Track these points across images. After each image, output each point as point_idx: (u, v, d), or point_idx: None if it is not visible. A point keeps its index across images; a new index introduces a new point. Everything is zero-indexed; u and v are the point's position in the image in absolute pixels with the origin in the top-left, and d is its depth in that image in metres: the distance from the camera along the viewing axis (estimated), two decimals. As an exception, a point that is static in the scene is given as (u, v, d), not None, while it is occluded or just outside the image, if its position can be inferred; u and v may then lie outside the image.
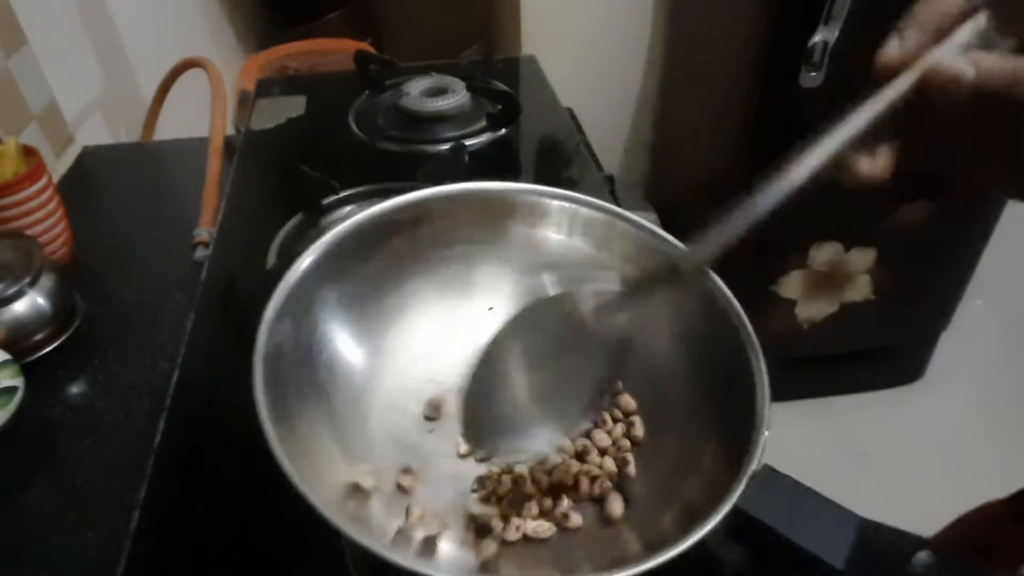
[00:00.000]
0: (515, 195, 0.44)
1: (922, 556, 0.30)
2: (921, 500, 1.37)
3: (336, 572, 0.38)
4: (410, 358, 0.43)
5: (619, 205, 0.72)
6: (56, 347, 0.59)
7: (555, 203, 0.44)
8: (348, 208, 0.66)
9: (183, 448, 0.48)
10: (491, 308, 0.44)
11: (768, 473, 0.32)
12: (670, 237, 0.42)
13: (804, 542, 0.31)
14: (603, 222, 0.44)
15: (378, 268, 0.42)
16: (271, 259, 0.61)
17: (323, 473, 0.34)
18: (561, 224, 0.44)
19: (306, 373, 0.38)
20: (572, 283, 0.43)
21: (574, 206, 0.44)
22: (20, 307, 0.57)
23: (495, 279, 0.45)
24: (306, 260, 0.39)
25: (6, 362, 0.54)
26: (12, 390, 0.52)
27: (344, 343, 0.41)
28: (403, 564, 0.28)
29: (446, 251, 0.44)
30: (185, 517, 0.44)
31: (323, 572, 0.37)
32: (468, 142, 0.75)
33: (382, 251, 0.43)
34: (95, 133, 0.96)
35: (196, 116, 1.00)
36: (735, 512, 0.30)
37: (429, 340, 0.44)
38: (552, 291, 0.43)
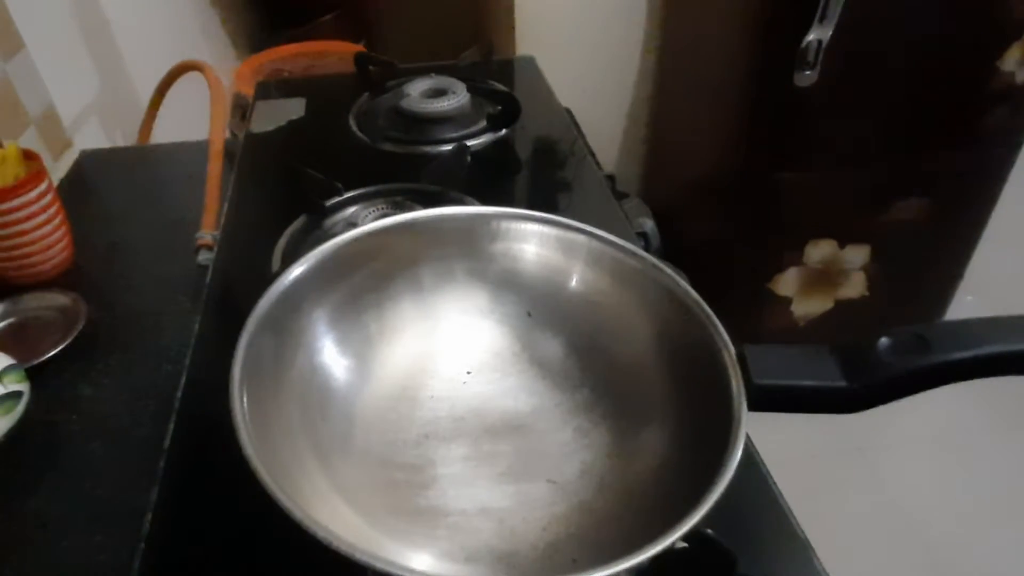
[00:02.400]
0: (488, 218, 0.47)
1: (883, 340, 0.35)
2: (916, 495, 1.39)
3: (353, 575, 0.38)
4: (393, 369, 0.45)
5: (619, 203, 0.73)
6: (60, 351, 0.59)
7: (524, 225, 0.47)
8: (352, 209, 0.66)
9: (194, 450, 0.48)
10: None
11: (746, 351, 0.37)
12: (625, 242, 0.45)
13: (811, 381, 0.35)
14: (563, 236, 0.47)
15: (359, 286, 0.45)
16: (276, 261, 0.60)
17: (300, 483, 0.35)
18: (530, 241, 0.47)
19: (286, 386, 0.39)
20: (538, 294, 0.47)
21: (537, 225, 0.47)
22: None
23: (471, 296, 0.48)
24: (289, 276, 0.41)
25: (11, 367, 0.53)
26: (17, 395, 0.52)
27: (327, 357, 0.43)
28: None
29: (423, 270, 0.47)
30: (198, 519, 0.44)
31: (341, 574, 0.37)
32: (469, 143, 0.75)
33: (362, 270, 0.45)
34: (92, 137, 0.96)
35: (191, 120, 1.00)
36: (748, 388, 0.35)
37: (411, 353, 0.46)
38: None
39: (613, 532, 0.37)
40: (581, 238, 0.46)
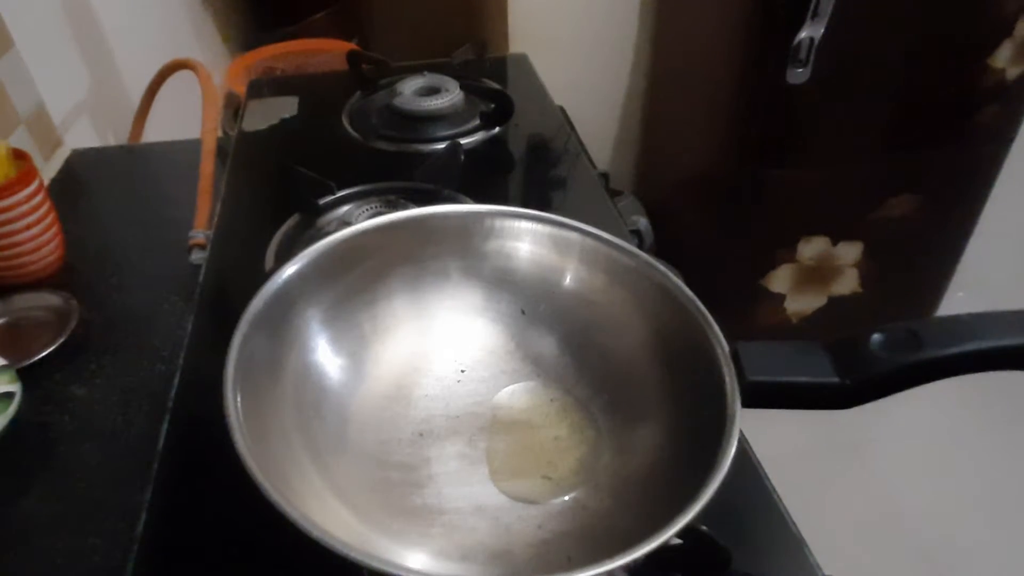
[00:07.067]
0: (482, 216, 0.47)
1: (875, 336, 0.35)
2: (910, 491, 1.40)
3: None
4: (387, 368, 0.45)
5: (612, 201, 0.73)
6: (52, 351, 0.59)
7: (518, 223, 0.47)
8: (345, 208, 0.66)
9: (188, 450, 0.48)
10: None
11: (739, 348, 0.37)
12: (618, 240, 0.45)
13: (804, 377, 0.36)
14: (557, 234, 0.47)
15: (353, 285, 0.44)
16: (269, 260, 0.60)
17: (295, 483, 0.35)
18: (524, 239, 0.47)
19: (280, 387, 0.39)
20: (532, 292, 0.47)
21: (531, 223, 0.47)
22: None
23: (464, 295, 0.48)
24: (282, 275, 0.41)
25: (2, 368, 0.53)
26: (9, 396, 0.52)
27: (321, 356, 0.43)
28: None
29: (416, 268, 0.47)
30: (192, 520, 0.44)
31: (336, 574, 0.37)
32: (463, 141, 0.75)
33: (356, 269, 0.45)
34: (83, 136, 0.95)
35: (183, 118, 0.99)
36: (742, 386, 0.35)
37: (405, 352, 0.46)
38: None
39: (608, 529, 0.37)
40: (575, 236, 0.46)
